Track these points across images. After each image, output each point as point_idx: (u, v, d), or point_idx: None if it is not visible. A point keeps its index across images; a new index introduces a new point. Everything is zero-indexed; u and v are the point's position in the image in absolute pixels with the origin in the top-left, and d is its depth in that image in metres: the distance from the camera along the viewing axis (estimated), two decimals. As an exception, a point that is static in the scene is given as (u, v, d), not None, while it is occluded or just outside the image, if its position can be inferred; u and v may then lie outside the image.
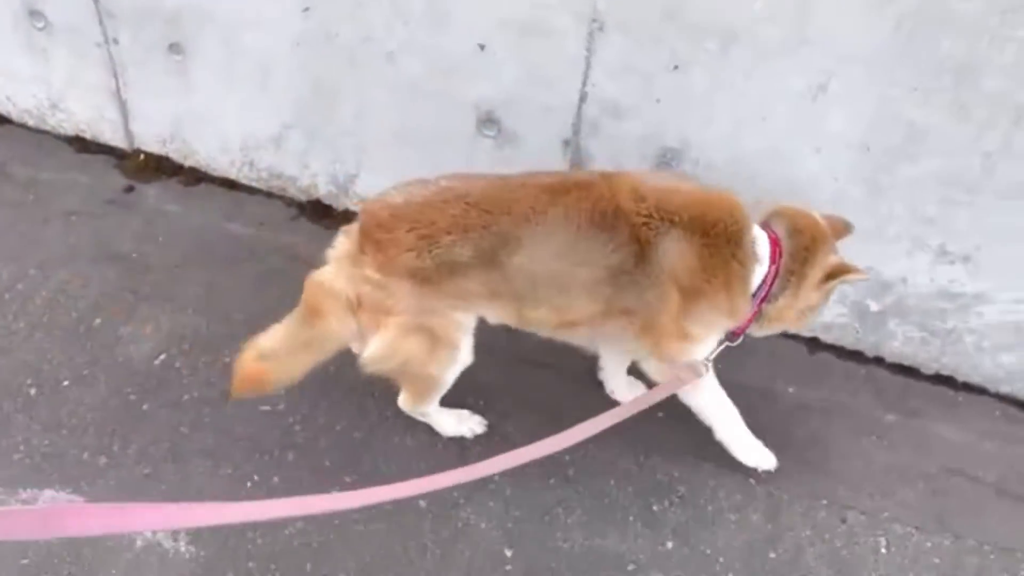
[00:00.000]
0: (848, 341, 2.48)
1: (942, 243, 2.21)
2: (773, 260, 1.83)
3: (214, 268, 2.61)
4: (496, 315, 1.87)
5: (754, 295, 1.84)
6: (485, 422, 2.15)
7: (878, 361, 2.47)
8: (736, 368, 2.10)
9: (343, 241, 1.84)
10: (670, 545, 1.96)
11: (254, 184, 2.96)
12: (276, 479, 2.04)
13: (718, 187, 1.84)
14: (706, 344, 1.89)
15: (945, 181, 2.10)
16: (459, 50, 2.36)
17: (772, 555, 1.96)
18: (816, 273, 1.84)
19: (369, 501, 1.46)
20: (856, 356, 2.48)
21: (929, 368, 2.43)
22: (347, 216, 2.80)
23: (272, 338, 1.85)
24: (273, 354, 1.83)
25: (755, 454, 2.07)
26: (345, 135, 2.71)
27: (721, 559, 1.94)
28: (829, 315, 2.43)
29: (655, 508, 2.03)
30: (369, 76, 2.53)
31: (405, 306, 1.76)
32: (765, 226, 1.88)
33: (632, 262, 1.73)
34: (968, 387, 2.40)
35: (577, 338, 1.95)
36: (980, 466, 2.20)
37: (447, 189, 1.75)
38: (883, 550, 1.99)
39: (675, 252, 1.74)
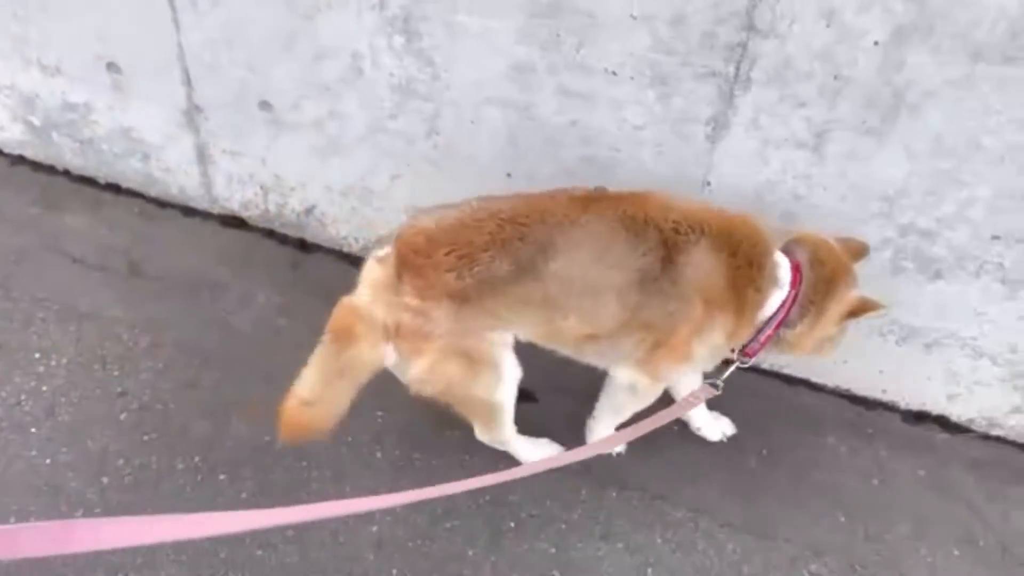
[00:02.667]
0: (30, 153, 2.90)
1: (38, 56, 2.61)
2: (793, 286, 1.84)
3: None
4: (526, 330, 1.86)
5: (771, 319, 1.86)
6: (555, 443, 2.15)
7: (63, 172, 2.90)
8: None
9: (376, 268, 1.80)
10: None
11: None
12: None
13: (742, 211, 1.86)
14: (699, 364, 1.92)
15: (-1, -4, 2.50)
16: None
17: None
18: (837, 307, 1.86)
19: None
20: (45, 168, 2.90)
21: (87, 171, 2.87)
22: None
23: (309, 381, 1.80)
24: (315, 398, 1.80)
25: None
26: None
27: None
28: (13, 132, 2.84)
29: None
30: None
31: (444, 330, 1.76)
32: (787, 252, 1.89)
33: (659, 267, 1.75)
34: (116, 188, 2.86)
35: (593, 355, 1.95)
36: (77, 245, 2.64)
37: (479, 209, 1.77)
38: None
39: (701, 262, 1.76)
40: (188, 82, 2.46)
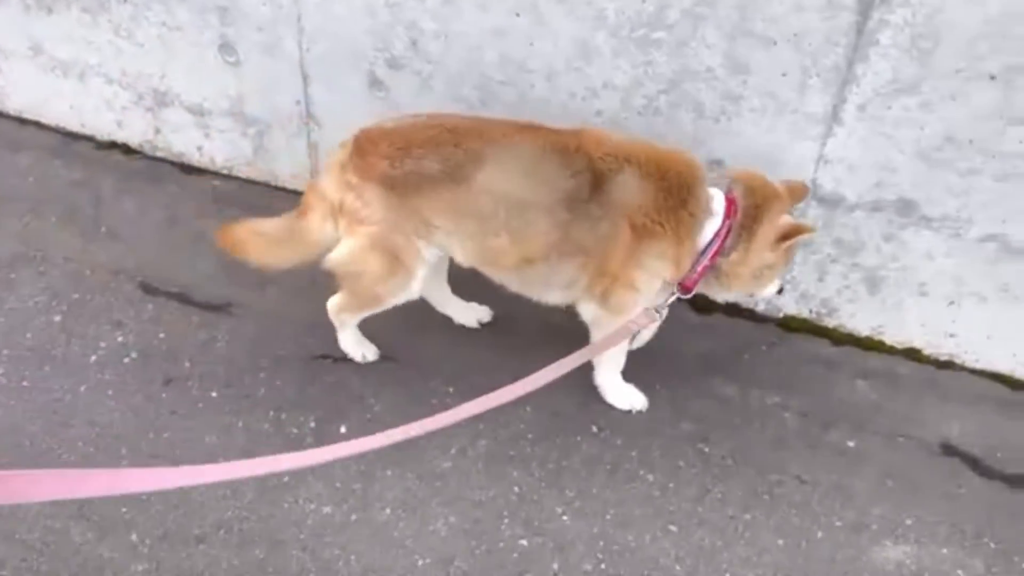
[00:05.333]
0: None
1: None
2: (728, 216, 1.92)
3: None
4: (461, 247, 2.01)
5: (707, 248, 1.93)
6: (378, 352, 2.32)
7: None
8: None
9: (338, 152, 2.02)
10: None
11: None
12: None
13: (678, 147, 1.98)
14: (647, 293, 1.99)
15: None
16: None
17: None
18: (768, 232, 1.92)
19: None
20: None
21: None
22: None
23: (268, 222, 2.10)
24: (262, 233, 2.10)
25: (629, 398, 2.22)
26: None
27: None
28: None
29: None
30: None
31: (377, 217, 1.95)
32: (727, 191, 1.96)
33: (588, 190, 1.87)
34: None
35: (538, 284, 2.05)
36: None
37: (432, 118, 2.00)
38: None
39: (629, 187, 1.87)
40: None
